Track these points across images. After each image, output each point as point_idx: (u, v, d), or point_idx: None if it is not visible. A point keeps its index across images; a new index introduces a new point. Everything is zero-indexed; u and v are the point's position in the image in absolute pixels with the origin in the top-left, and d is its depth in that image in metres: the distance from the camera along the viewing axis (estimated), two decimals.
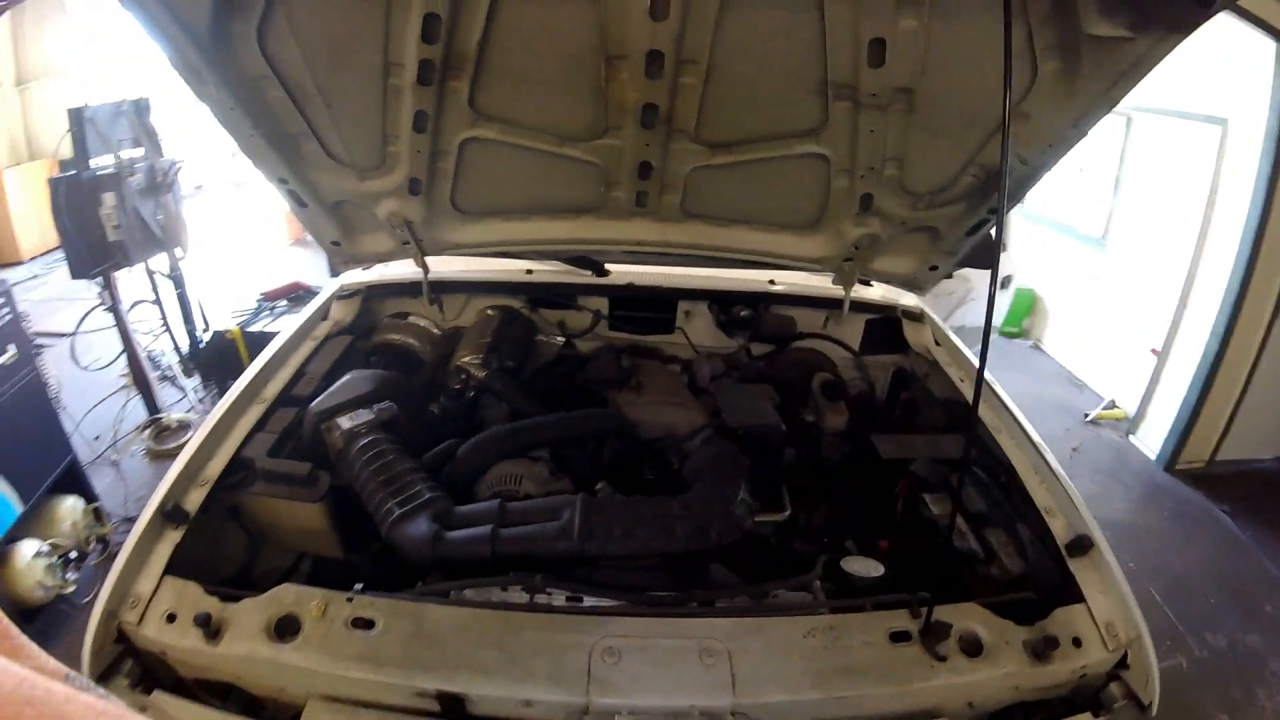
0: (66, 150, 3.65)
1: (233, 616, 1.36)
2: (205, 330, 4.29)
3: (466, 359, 2.30)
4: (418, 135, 1.89)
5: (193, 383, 4.70)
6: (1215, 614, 3.42)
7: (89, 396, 4.42)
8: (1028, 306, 6.32)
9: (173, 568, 1.47)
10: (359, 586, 1.40)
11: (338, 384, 2.03)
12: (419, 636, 1.32)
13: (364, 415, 1.91)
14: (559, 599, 1.50)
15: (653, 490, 1.96)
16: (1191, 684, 3.07)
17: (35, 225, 7.34)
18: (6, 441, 2.95)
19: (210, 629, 1.32)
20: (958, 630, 1.36)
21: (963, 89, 1.70)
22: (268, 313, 4.26)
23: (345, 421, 1.88)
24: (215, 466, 1.73)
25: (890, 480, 1.96)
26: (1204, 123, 4.33)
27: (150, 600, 1.41)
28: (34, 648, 0.43)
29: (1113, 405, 5.17)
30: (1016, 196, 1.96)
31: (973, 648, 1.35)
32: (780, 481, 2.03)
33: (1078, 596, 1.47)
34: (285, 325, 3.87)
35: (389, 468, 1.75)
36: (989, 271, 1.29)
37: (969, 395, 2.12)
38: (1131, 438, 4.83)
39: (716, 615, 1.47)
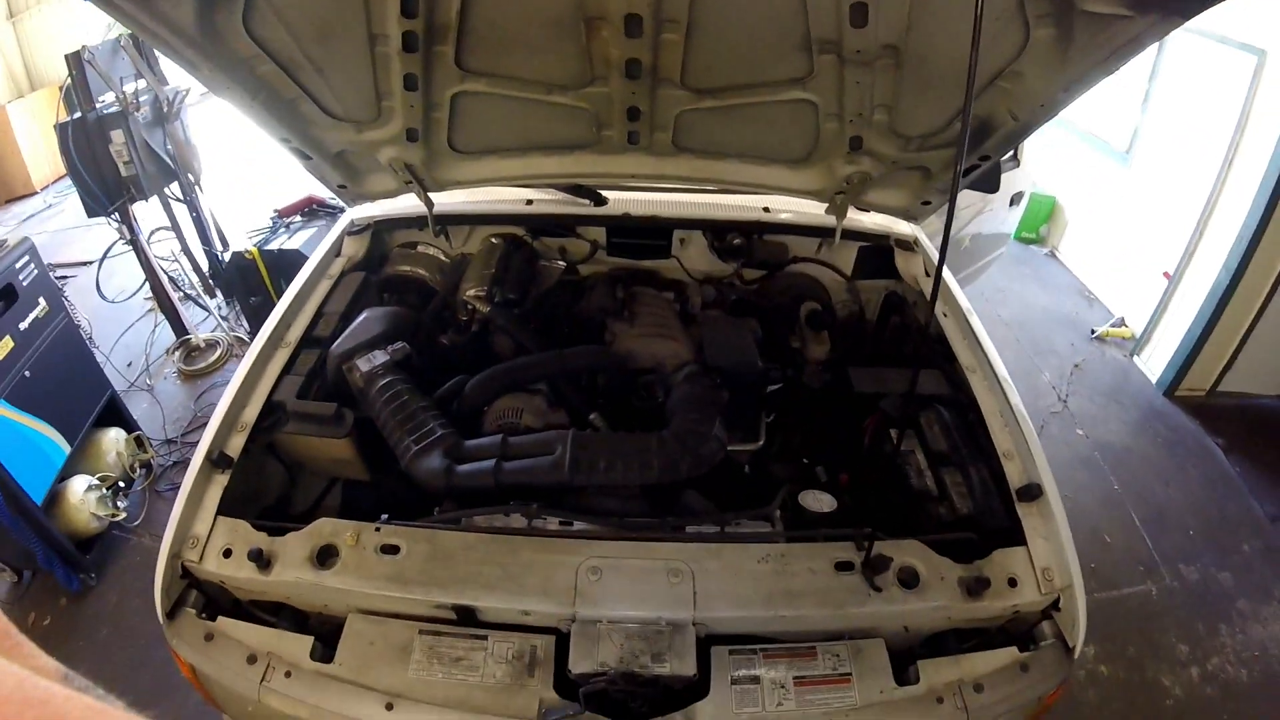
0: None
1: (280, 549, 1.63)
2: (224, 250, 4.42)
3: (471, 292, 2.47)
4: (409, 93, 1.96)
5: (216, 301, 4.86)
6: (1192, 547, 3.48)
7: (116, 325, 4.57)
8: (1046, 213, 6.19)
9: (224, 508, 1.72)
10: (385, 517, 1.65)
11: (354, 325, 2.23)
12: (435, 558, 1.59)
13: (380, 357, 2.12)
14: (552, 524, 1.76)
15: (640, 420, 2.16)
16: (1158, 612, 3.18)
17: (45, 155, 7.30)
18: (49, 388, 3.15)
19: (262, 561, 1.59)
20: (897, 564, 1.53)
21: (951, 45, 1.68)
22: (284, 229, 4.35)
23: (363, 364, 2.10)
24: (251, 412, 1.95)
25: (864, 412, 2.11)
26: (1240, 50, 4.12)
27: (208, 540, 1.67)
28: (31, 646, 0.43)
29: (1121, 323, 5.17)
30: (1007, 148, 1.96)
31: (910, 580, 1.51)
32: (758, 414, 2.20)
33: (1021, 540, 1.59)
34: (301, 241, 4.03)
35: (405, 407, 1.98)
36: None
37: (949, 331, 2.22)
38: (1135, 358, 4.84)
39: (684, 540, 1.69)
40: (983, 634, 1.59)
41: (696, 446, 1.87)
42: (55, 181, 7.48)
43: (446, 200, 2.65)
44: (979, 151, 1.99)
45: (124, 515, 3.42)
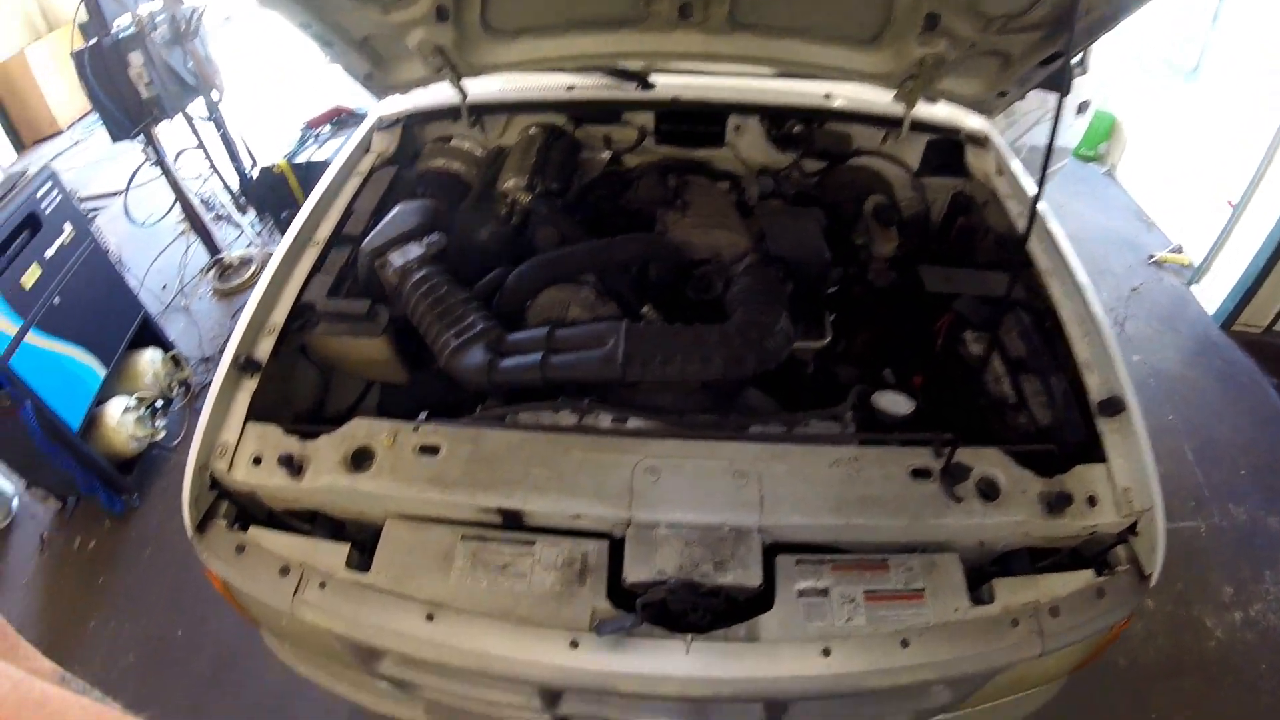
0: (84, 14, 3.50)
1: (312, 453, 1.51)
2: (253, 167, 4.30)
3: (511, 183, 2.29)
4: None
5: (248, 218, 4.80)
6: (1243, 486, 3.34)
7: (150, 249, 4.54)
8: (1106, 130, 5.71)
9: (253, 414, 1.61)
10: (423, 416, 1.52)
11: (386, 219, 2.06)
12: (479, 459, 1.45)
13: (414, 250, 1.96)
14: (604, 421, 1.61)
15: (697, 313, 1.99)
16: (1204, 550, 3.06)
17: (67, 93, 7.21)
18: (80, 314, 3.09)
19: (293, 467, 1.48)
20: (977, 474, 1.41)
21: None
22: (313, 140, 4.20)
23: (397, 258, 1.94)
24: (279, 313, 1.82)
25: (934, 313, 1.92)
26: None
27: (236, 447, 1.56)
28: (29, 648, 0.43)
29: (1179, 250, 4.82)
30: (1094, 36, 1.72)
31: (990, 492, 1.40)
32: (823, 309, 2.03)
33: (1101, 457, 1.47)
34: (330, 151, 3.89)
35: (442, 301, 1.83)
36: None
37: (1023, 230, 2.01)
38: (1193, 287, 4.54)
39: (749, 440, 1.54)
40: (1054, 553, 1.48)
41: (761, 339, 1.70)
42: (81, 118, 7.42)
43: (481, 88, 2.44)
44: (1058, 44, 1.76)
45: (163, 434, 3.41)
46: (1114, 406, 1.52)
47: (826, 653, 1.29)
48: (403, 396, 1.95)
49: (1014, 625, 1.33)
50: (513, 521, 1.44)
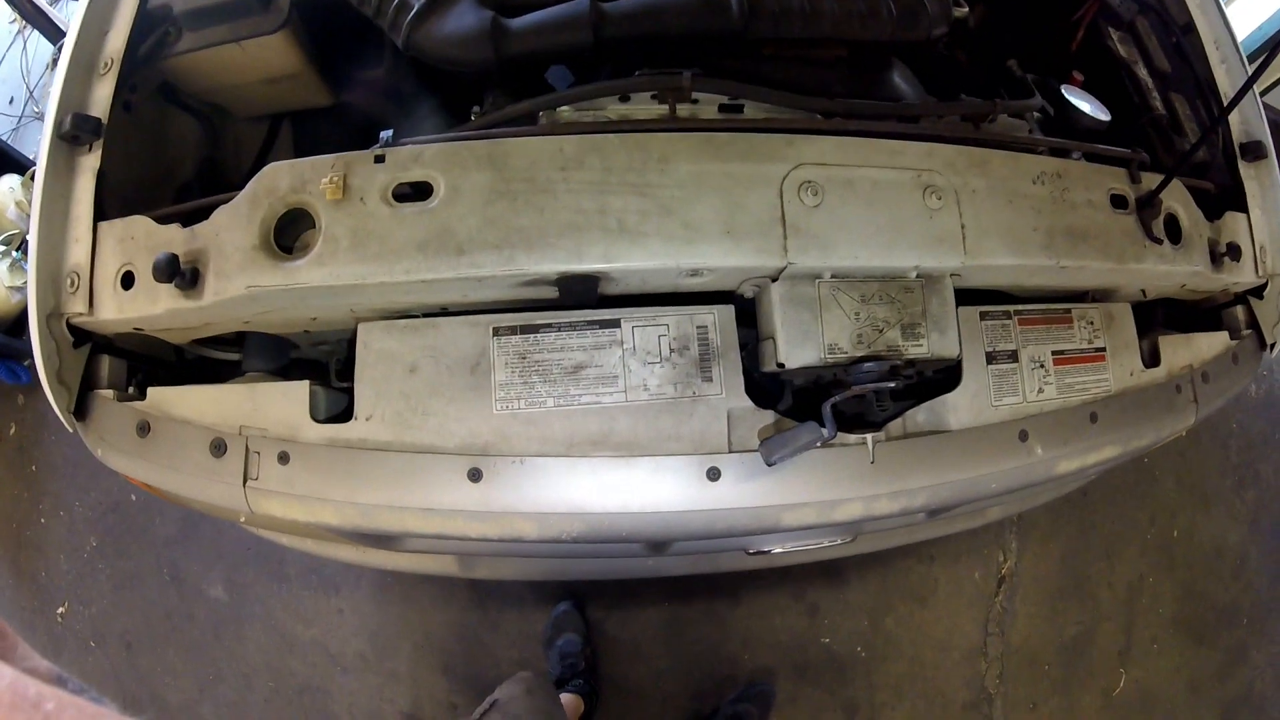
0: None
1: (209, 243, 0.87)
2: None
3: None
4: None
5: None
6: None
7: None
8: None
9: (104, 209, 0.96)
10: (386, 135, 0.85)
11: None
12: (507, 194, 0.82)
13: None
14: (709, 110, 0.97)
15: None
16: None
17: None
18: None
19: (184, 275, 0.84)
20: (1164, 208, 1.11)
21: None
22: None
23: None
24: (118, 36, 1.08)
25: (1072, 3, 1.47)
26: None
27: (93, 268, 0.94)
28: (26, 648, 0.42)
29: None
30: None
31: (1174, 233, 1.13)
32: None
33: (1243, 206, 1.27)
34: None
35: None
36: None
37: None
38: None
39: (935, 140, 0.99)
40: (1187, 312, 1.33)
41: None
42: None
43: None
44: None
45: None
46: (1258, 151, 1.32)
47: (1024, 436, 1.02)
48: (330, 130, 1.29)
49: (1177, 391, 1.16)
50: (578, 294, 0.88)
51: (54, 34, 3.57)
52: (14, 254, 2.62)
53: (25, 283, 2.39)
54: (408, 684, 2.07)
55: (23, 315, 2.67)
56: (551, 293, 0.86)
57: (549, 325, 0.87)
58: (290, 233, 0.87)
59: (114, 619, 2.26)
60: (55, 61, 3.55)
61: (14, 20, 3.63)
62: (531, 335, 0.86)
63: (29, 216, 2.59)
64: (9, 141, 3.02)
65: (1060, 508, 2.26)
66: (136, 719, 0.40)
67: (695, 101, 0.98)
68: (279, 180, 0.86)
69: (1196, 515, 2.37)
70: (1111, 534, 2.31)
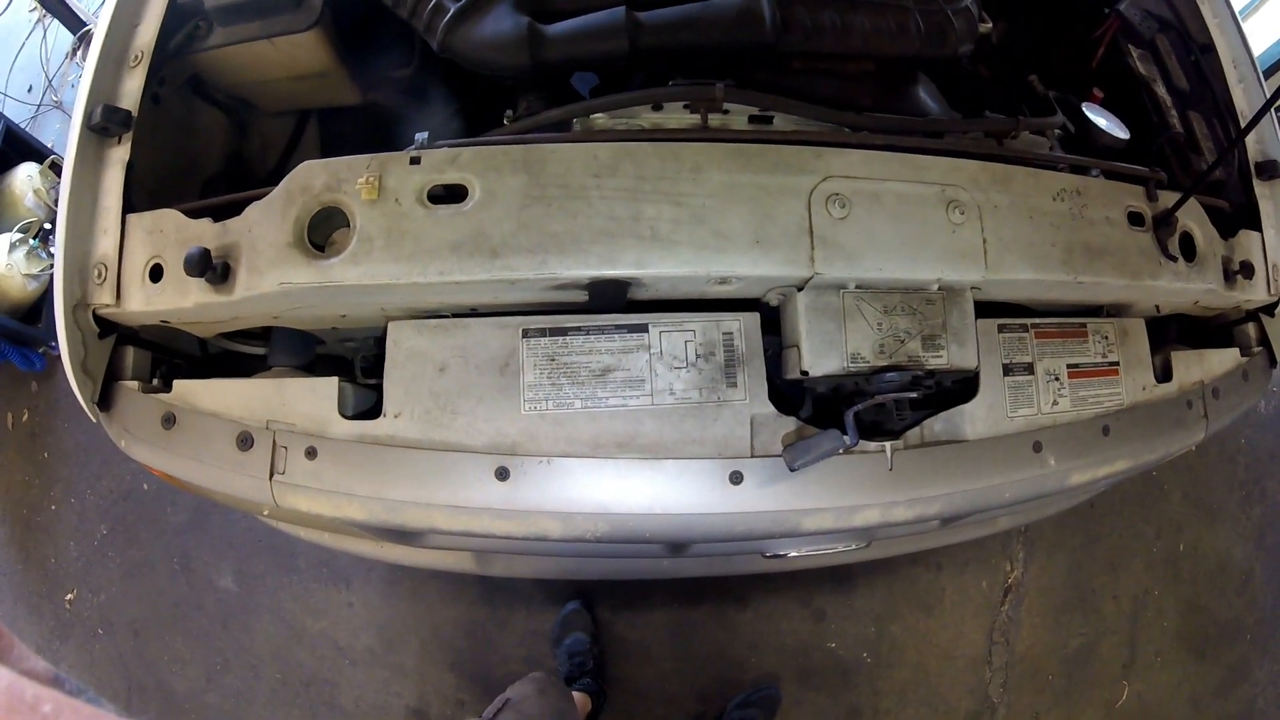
0: None
1: (241, 238, 0.89)
2: None
3: None
4: None
5: None
6: None
7: (4, 53, 3.63)
8: None
9: (133, 200, 0.98)
10: (422, 136, 0.87)
11: None
12: (542, 198, 0.84)
13: None
14: (735, 122, 0.99)
15: None
16: None
17: None
18: None
19: (215, 269, 0.86)
20: (1180, 226, 1.14)
21: None
22: None
23: None
24: (148, 28, 1.10)
25: (1092, 21, 1.51)
26: None
27: (121, 259, 0.95)
28: (23, 648, 0.40)
29: None
30: None
31: (1189, 250, 1.15)
32: None
33: (1257, 224, 1.29)
34: None
35: None
36: None
37: None
38: None
39: (958, 156, 1.01)
40: (1199, 328, 1.35)
41: (963, 9, 1.11)
42: None
43: None
44: None
45: None
46: (1273, 170, 1.33)
47: (1038, 448, 1.04)
48: (356, 127, 1.31)
49: (1188, 407, 1.18)
50: (608, 298, 0.90)
51: (74, 23, 3.58)
52: (31, 242, 2.62)
53: (42, 271, 2.43)
54: (415, 679, 2.09)
55: (38, 303, 2.68)
56: (581, 296, 0.88)
57: (578, 328, 0.89)
58: (321, 230, 0.89)
59: (123, 606, 2.27)
60: (75, 50, 3.59)
61: (34, 9, 3.62)
62: (560, 338, 0.88)
63: (47, 205, 2.65)
64: (27, 129, 3.02)
65: (1067, 519, 2.26)
66: None
67: (726, 112, 1.00)
68: (314, 178, 0.88)
69: (1202, 530, 2.38)
70: (1118, 547, 2.32)
